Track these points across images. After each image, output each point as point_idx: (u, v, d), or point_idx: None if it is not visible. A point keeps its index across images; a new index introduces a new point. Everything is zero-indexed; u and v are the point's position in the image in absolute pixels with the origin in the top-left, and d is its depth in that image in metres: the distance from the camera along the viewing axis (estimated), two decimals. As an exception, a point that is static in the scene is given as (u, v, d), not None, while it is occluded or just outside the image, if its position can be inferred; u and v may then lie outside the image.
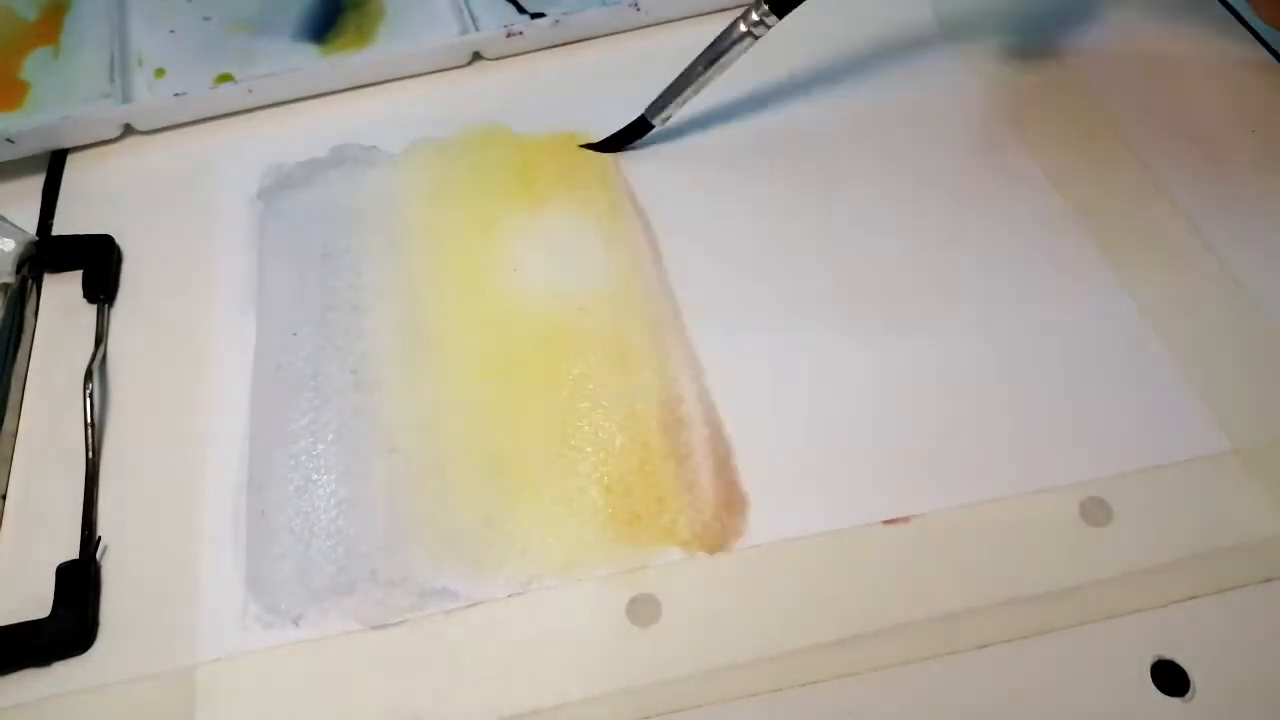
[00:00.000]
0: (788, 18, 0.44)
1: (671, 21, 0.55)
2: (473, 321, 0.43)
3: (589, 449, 0.39)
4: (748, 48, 0.44)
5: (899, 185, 0.47)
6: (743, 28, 0.44)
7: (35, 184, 0.50)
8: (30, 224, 0.47)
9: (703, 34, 0.51)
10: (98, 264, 0.45)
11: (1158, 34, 0.53)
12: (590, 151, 0.49)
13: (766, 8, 0.43)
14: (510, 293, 0.44)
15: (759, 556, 0.36)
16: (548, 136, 0.50)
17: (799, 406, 0.40)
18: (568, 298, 0.44)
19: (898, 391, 0.40)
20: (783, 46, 0.53)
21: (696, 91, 0.46)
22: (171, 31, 0.55)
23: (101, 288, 0.45)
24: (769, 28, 0.44)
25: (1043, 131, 0.48)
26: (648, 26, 0.55)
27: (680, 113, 0.48)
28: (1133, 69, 0.51)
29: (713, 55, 0.45)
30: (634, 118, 0.48)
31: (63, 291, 0.45)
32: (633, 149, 0.49)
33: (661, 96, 0.47)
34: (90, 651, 0.36)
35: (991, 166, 0.47)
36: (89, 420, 0.40)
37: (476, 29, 0.53)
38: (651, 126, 0.48)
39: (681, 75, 0.46)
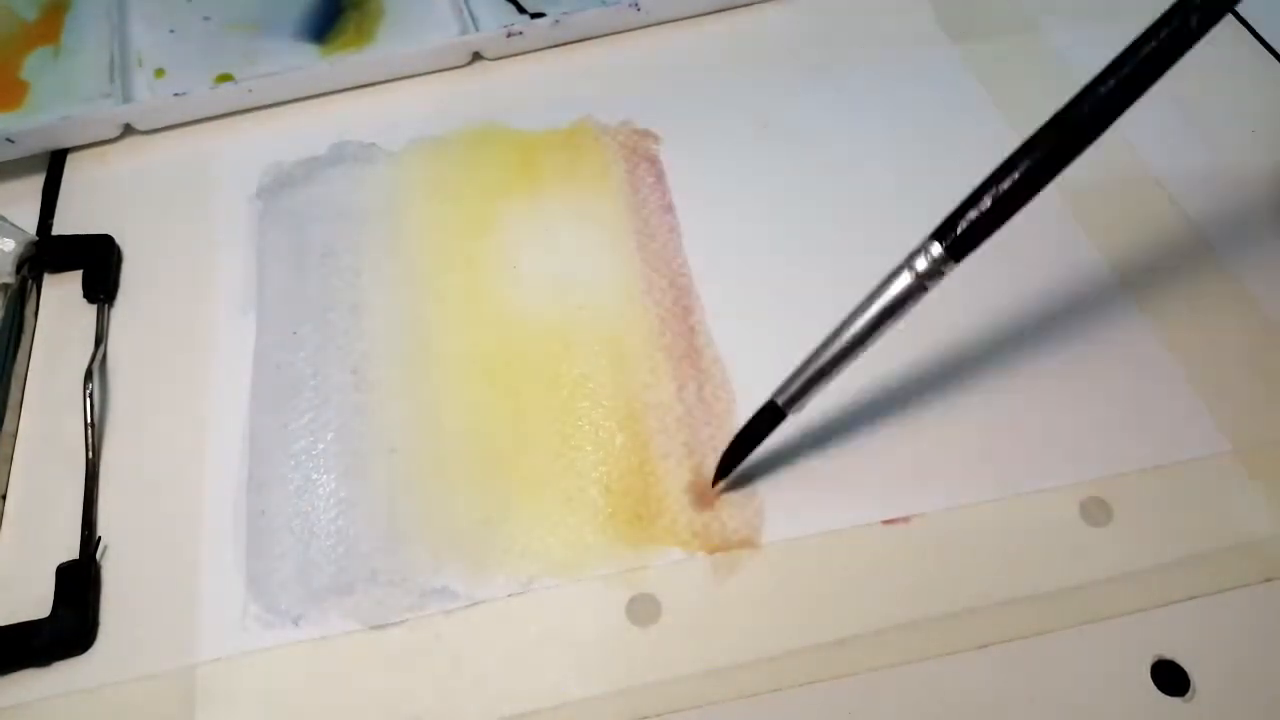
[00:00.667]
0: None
1: (671, 21, 0.55)
2: (472, 320, 0.43)
3: (589, 449, 0.39)
4: (918, 302, 0.33)
5: (903, 187, 0.47)
6: (908, 279, 0.33)
7: (35, 184, 0.50)
8: (30, 224, 0.47)
9: (704, 34, 0.52)
10: (98, 264, 0.45)
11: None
12: (591, 148, 0.49)
13: (941, 251, 0.32)
14: (510, 291, 0.44)
15: (759, 556, 0.36)
16: (548, 133, 0.50)
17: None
18: (568, 296, 0.44)
19: (898, 392, 0.40)
20: (786, 44, 0.53)
21: (840, 372, 0.34)
22: (171, 31, 0.55)
23: (101, 288, 0.45)
24: (944, 275, 0.33)
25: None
26: (648, 26, 0.55)
27: (691, 111, 0.48)
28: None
29: (873, 321, 0.33)
30: (758, 408, 0.36)
31: (63, 291, 0.45)
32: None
33: (799, 382, 0.35)
34: (90, 651, 0.36)
35: (986, 161, 0.47)
36: (89, 420, 0.40)
37: (476, 29, 0.53)
38: (783, 416, 0.35)
39: (821, 350, 0.34)
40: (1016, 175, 0.32)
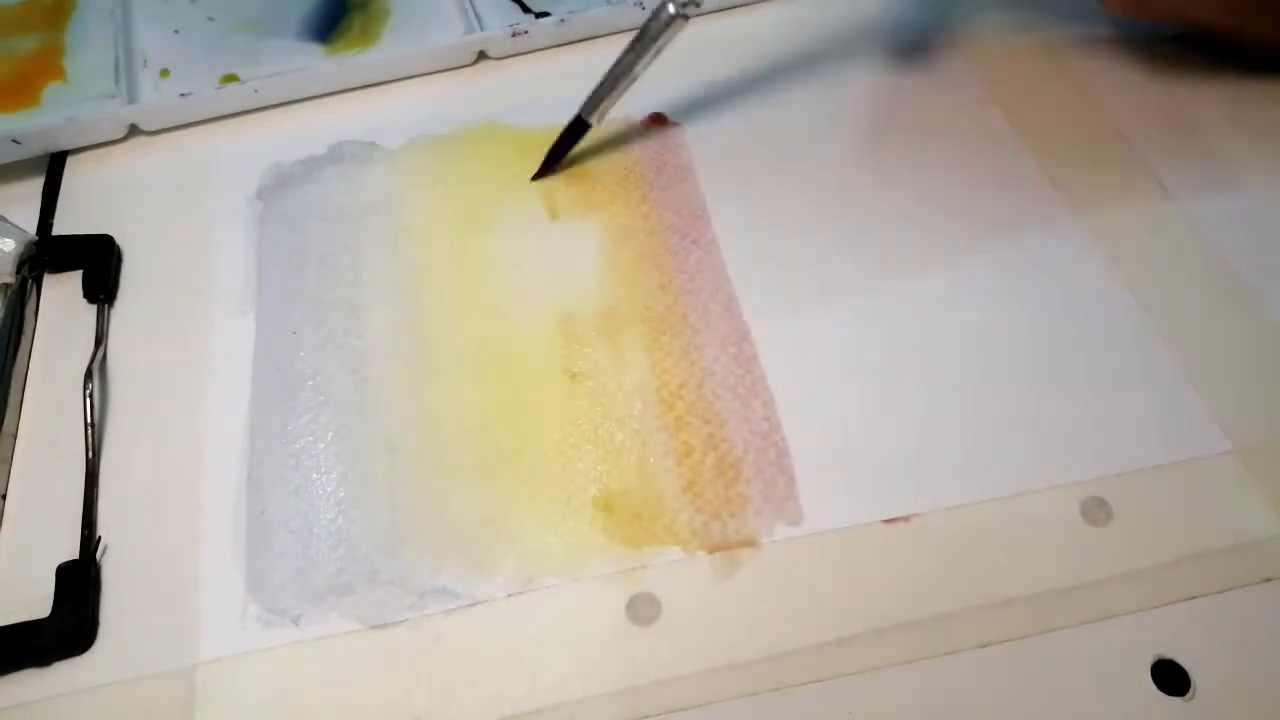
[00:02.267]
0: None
1: (674, 21, 0.55)
2: (472, 319, 0.43)
3: (589, 448, 0.39)
4: (679, 31, 0.43)
5: (903, 184, 0.47)
6: (671, 9, 0.42)
7: (35, 184, 0.50)
8: (30, 224, 0.47)
9: (707, 32, 0.52)
10: (98, 264, 0.45)
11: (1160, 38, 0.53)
12: (593, 144, 0.49)
13: None
14: (510, 290, 0.44)
15: (759, 556, 0.36)
16: (549, 130, 0.50)
17: (798, 406, 0.40)
18: (568, 294, 0.44)
19: (897, 392, 0.40)
20: (789, 43, 0.53)
21: (629, 85, 0.45)
22: (176, 32, 0.55)
23: (101, 288, 0.45)
24: (699, 7, 0.42)
25: (1043, 128, 0.48)
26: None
27: (693, 109, 0.49)
28: (1138, 74, 0.51)
29: (643, 45, 0.43)
30: (569, 120, 0.47)
31: (63, 291, 0.45)
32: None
33: (595, 93, 0.45)
34: (90, 651, 0.36)
35: (987, 159, 0.47)
36: (89, 420, 0.40)
37: (481, 28, 0.54)
38: (588, 126, 0.46)
39: (613, 69, 0.45)
40: None
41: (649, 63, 0.44)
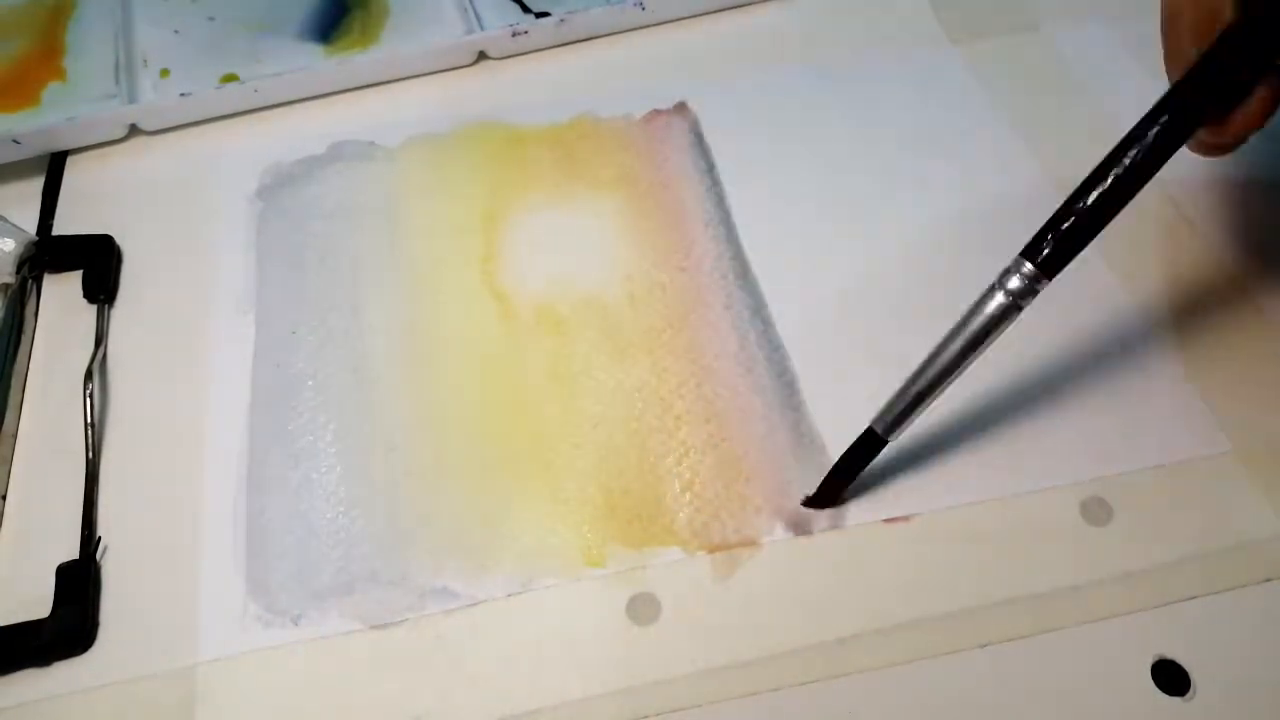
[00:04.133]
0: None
1: (675, 20, 0.55)
2: (472, 318, 0.43)
3: (589, 448, 0.39)
4: (1013, 322, 0.33)
5: (903, 186, 0.47)
6: (1000, 299, 0.33)
7: (35, 184, 0.50)
8: (30, 224, 0.47)
9: (707, 33, 0.52)
10: (98, 264, 0.45)
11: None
12: (592, 142, 0.49)
13: (1033, 268, 0.33)
14: (509, 288, 0.44)
15: (759, 556, 0.36)
16: (548, 129, 0.50)
17: (798, 406, 0.40)
18: (568, 292, 0.44)
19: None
20: (788, 43, 0.53)
21: (939, 393, 0.35)
22: (176, 32, 0.55)
23: (101, 288, 0.45)
24: (1037, 293, 0.33)
25: (1045, 131, 0.49)
26: (653, 25, 0.55)
27: (692, 110, 0.50)
28: (1138, 74, 0.51)
29: (970, 342, 0.33)
30: (858, 437, 0.36)
31: (63, 291, 0.45)
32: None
33: (896, 409, 0.35)
34: (90, 651, 0.36)
35: (992, 164, 0.47)
36: (89, 420, 0.40)
37: (481, 28, 0.54)
38: (884, 443, 0.36)
39: (919, 377, 0.34)
40: (1104, 186, 0.33)
41: (969, 365, 0.34)
